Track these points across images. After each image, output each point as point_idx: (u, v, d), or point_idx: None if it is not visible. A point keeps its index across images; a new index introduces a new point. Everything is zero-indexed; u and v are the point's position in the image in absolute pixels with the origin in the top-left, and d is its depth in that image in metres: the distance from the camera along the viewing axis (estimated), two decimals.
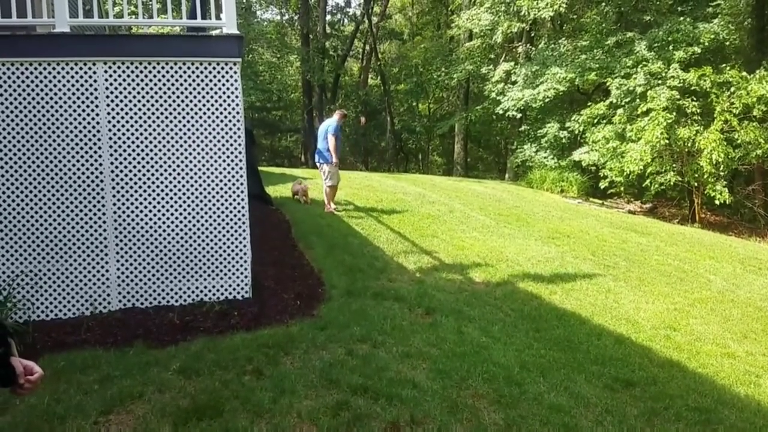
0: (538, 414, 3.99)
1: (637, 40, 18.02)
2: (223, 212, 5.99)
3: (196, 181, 5.90)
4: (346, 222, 9.96)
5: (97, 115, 5.65)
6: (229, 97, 5.92)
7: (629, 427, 3.92)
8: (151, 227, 5.82)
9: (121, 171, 5.74)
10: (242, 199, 6.10)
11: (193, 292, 5.94)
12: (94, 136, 5.66)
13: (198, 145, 5.88)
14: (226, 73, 5.92)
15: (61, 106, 5.58)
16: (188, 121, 5.85)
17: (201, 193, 5.92)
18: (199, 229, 5.94)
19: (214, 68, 5.85)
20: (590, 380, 4.70)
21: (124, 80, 5.68)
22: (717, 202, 15.38)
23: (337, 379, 4.34)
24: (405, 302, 6.31)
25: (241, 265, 6.09)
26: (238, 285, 6.08)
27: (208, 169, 5.92)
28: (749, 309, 7.19)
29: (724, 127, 15.00)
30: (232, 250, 6.04)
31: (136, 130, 5.74)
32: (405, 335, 5.37)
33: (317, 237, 8.88)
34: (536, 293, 7.03)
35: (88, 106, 5.63)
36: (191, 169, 5.88)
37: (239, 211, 6.04)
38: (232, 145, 5.97)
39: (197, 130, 5.87)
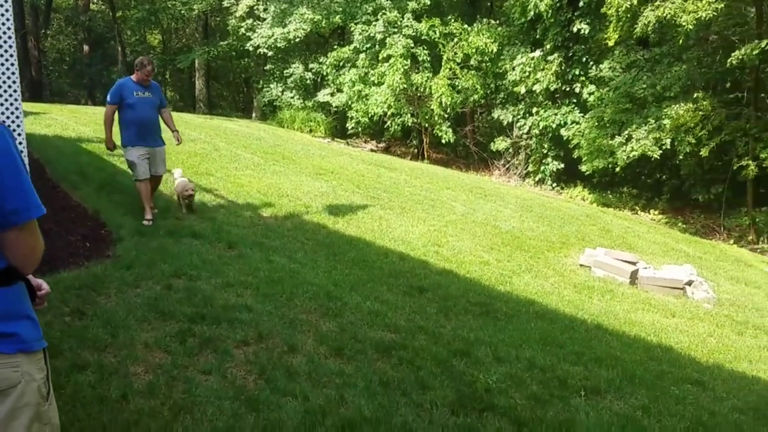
0: (362, 319, 4.64)
1: None
2: None
3: None
4: (108, 161, 9.27)
5: None
6: None
7: (435, 322, 4.81)
8: None
9: None
10: (18, 126, 5.43)
11: None
12: None
13: None
14: None
15: None
16: None
17: None
18: None
19: None
20: (391, 290, 5.51)
21: None
22: (443, 141, 17.75)
23: (169, 311, 4.39)
24: (204, 238, 6.38)
25: None
26: None
27: None
28: (488, 227, 8.84)
29: (450, 74, 17.20)
30: None
31: None
32: (217, 268, 5.52)
33: (81, 177, 8.18)
34: (322, 223, 7.64)
35: None
36: None
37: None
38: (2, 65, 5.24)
39: None
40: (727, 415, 3.95)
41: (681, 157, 13.31)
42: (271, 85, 21.21)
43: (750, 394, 4.41)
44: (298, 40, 19.26)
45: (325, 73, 19.39)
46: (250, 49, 20.54)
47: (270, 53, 20.27)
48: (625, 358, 4.62)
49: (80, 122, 12.24)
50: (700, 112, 12.62)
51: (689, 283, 7.41)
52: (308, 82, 20.56)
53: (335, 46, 19.80)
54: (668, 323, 5.98)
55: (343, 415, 3.19)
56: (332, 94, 19.24)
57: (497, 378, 3.90)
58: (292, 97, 20.45)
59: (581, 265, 7.84)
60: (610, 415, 3.61)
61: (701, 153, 12.62)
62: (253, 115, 23.67)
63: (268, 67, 22.22)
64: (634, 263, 7.78)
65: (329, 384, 3.55)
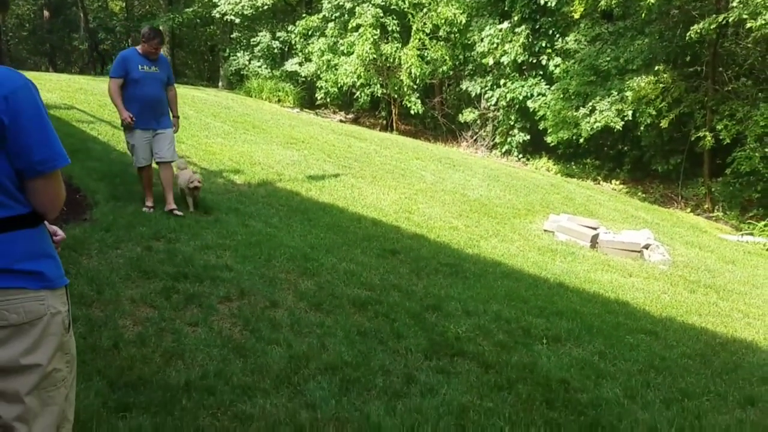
0: (339, 278, 4.87)
1: None
2: None
3: None
4: (77, 127, 9.22)
5: None
6: None
7: (407, 280, 5.07)
8: None
9: None
10: None
11: None
12: None
13: None
14: None
15: None
16: None
17: None
18: None
19: None
20: (365, 252, 5.73)
21: None
22: (412, 112, 17.89)
23: (152, 270, 4.54)
24: (180, 203, 6.48)
25: None
26: None
27: None
28: (456, 196, 9.11)
29: (419, 45, 17.26)
30: None
31: None
32: (195, 231, 5.65)
33: None
34: (296, 191, 7.80)
35: None
36: None
37: None
38: None
39: None
40: (677, 359, 4.31)
41: (642, 128, 13.74)
42: (238, 54, 20.97)
43: (698, 343, 4.78)
44: (265, 7, 19.05)
45: (293, 42, 19.25)
46: (217, 16, 20.22)
47: (237, 21, 20.00)
48: (584, 312, 4.95)
49: (45, 89, 12.02)
50: (661, 85, 13.03)
51: (646, 247, 7.82)
52: (276, 51, 20.39)
53: (303, 15, 19.64)
54: (625, 282, 6.36)
55: (326, 359, 3.43)
56: (300, 64, 19.14)
57: (466, 328, 4.18)
58: (259, 66, 20.26)
59: (545, 231, 8.18)
60: (570, 359, 3.93)
61: (661, 124, 13.06)
62: (220, 84, 23.38)
63: (234, 35, 21.91)
64: (595, 228, 8.15)
65: (311, 334, 3.78)
